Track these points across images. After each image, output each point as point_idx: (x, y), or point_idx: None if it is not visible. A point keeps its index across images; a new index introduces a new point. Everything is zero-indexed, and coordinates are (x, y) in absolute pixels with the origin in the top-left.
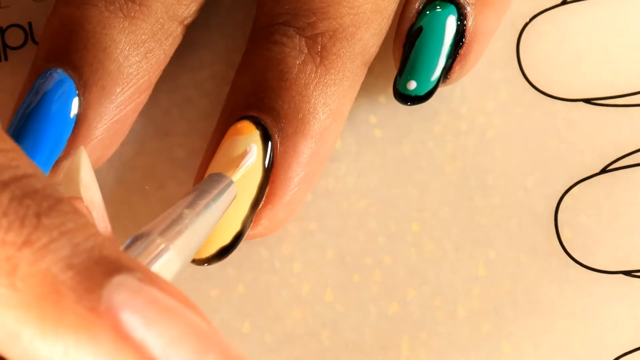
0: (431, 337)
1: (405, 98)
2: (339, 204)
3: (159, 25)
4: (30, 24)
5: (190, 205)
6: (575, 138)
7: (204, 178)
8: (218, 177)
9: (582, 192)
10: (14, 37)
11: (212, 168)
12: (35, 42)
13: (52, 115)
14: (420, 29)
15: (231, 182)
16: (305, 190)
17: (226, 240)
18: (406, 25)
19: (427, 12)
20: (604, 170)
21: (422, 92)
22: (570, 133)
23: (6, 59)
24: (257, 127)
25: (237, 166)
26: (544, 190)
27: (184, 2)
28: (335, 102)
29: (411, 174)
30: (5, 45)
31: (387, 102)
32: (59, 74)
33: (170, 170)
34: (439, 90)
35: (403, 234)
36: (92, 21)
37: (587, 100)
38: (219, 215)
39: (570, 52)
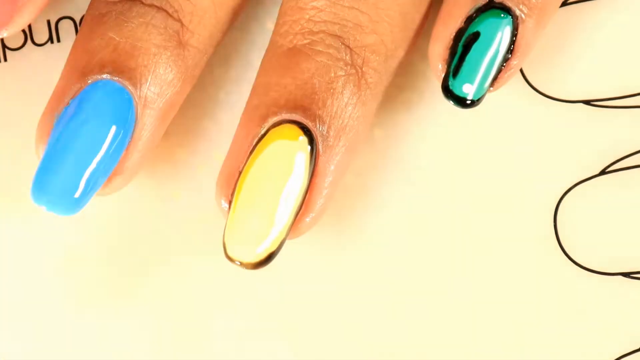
0: (432, 338)
1: (461, 101)
2: (339, 204)
3: (204, 56)
4: (29, 24)
5: None
6: (575, 139)
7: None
8: None
9: (582, 194)
10: (13, 38)
11: (257, 168)
12: (35, 43)
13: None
14: (478, 34)
15: None
16: (333, 198)
17: (274, 246)
18: (453, 27)
19: (488, 19)
20: (603, 172)
21: (477, 97)
22: (570, 134)
23: (5, 59)
24: (305, 134)
25: None
26: (544, 191)
27: (224, 30)
28: (370, 116)
29: (411, 174)
30: (4, 46)
31: (387, 101)
32: (118, 87)
33: (171, 170)
34: (439, 90)
35: (403, 234)
36: (156, 43)
37: (587, 102)
38: None
39: (570, 53)
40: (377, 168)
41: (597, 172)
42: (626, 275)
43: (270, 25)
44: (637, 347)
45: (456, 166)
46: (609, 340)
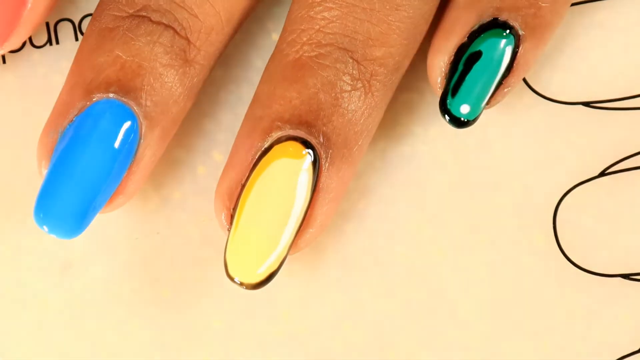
0: (431, 337)
1: (457, 121)
2: (339, 204)
3: (208, 71)
4: None
5: None
6: (574, 141)
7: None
8: None
9: (582, 195)
10: None
11: (261, 186)
12: (34, 45)
13: (116, 152)
14: (480, 54)
15: None
16: (333, 213)
17: (275, 266)
18: (455, 42)
19: (491, 39)
20: (603, 173)
21: (473, 117)
22: (570, 136)
23: (4, 62)
24: (309, 152)
25: None
26: (544, 192)
27: (228, 44)
28: (373, 130)
29: (411, 174)
30: None
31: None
32: (124, 107)
33: (170, 170)
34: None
35: (403, 234)
36: (162, 62)
37: (586, 104)
38: None
39: (570, 55)
40: (377, 169)
41: (597, 173)
42: (625, 277)
43: (270, 25)
44: (637, 349)
45: (456, 167)
46: (609, 342)
